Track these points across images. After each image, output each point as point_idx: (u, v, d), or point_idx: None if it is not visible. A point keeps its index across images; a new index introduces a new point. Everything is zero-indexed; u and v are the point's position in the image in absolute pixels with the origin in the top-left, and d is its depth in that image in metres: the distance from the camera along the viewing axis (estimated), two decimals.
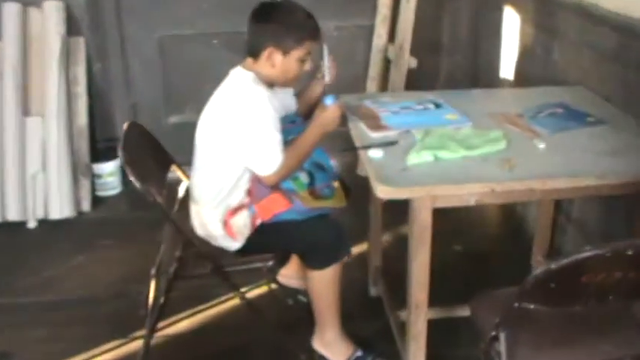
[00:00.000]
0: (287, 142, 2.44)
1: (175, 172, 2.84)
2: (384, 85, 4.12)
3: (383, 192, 2.10)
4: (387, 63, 4.13)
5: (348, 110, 2.59)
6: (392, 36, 4.06)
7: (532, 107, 2.72)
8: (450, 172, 2.18)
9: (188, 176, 2.69)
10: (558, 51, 3.15)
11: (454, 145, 2.32)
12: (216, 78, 4.02)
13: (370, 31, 4.20)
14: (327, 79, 2.58)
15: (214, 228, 2.53)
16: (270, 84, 2.49)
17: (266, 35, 2.41)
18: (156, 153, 2.77)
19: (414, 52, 3.89)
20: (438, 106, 2.73)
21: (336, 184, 2.61)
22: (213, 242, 2.56)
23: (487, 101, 2.86)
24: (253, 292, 3.12)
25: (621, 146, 2.36)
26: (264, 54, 2.41)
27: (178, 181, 2.84)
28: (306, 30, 2.44)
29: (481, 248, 3.52)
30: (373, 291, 3.13)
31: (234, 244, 2.53)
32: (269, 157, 2.35)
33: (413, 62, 3.84)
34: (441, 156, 2.27)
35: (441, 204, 2.17)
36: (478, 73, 4.24)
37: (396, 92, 3.00)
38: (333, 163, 2.60)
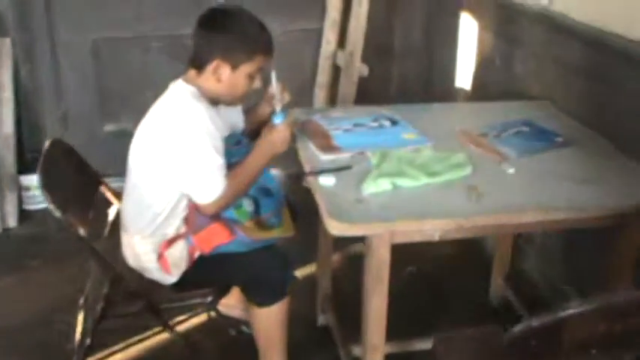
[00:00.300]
0: (231, 166, 2.15)
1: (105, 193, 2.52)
2: (333, 94, 3.84)
3: (335, 228, 1.82)
4: (336, 70, 3.85)
5: (296, 128, 2.30)
6: (342, 41, 3.78)
7: (495, 124, 2.47)
8: (411, 204, 1.91)
9: (120, 197, 2.36)
10: (520, 62, 2.92)
11: (414, 171, 2.05)
12: (155, 84, 3.67)
13: (318, 35, 3.91)
14: (277, 102, 2.24)
15: (147, 260, 2.22)
16: (215, 100, 2.18)
17: (214, 46, 2.11)
18: (81, 173, 2.44)
19: (364, 58, 3.62)
20: (394, 123, 2.46)
21: (283, 209, 2.32)
22: (146, 275, 2.25)
23: (447, 117, 2.61)
24: (191, 322, 2.80)
25: (595, 172, 2.13)
26: (210, 67, 2.11)
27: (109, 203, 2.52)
28: (259, 43, 2.15)
29: (436, 269, 3.27)
30: (322, 319, 2.85)
31: (169, 278, 2.22)
32: (208, 183, 2.05)
33: (364, 70, 3.57)
34: (401, 184, 2.00)
35: (400, 239, 1.91)
36: (432, 81, 4.00)
37: (348, 106, 2.72)
38: (276, 173, 2.29)
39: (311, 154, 2.21)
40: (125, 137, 2.30)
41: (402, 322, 2.35)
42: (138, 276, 2.28)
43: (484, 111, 2.67)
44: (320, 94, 3.88)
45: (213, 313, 2.74)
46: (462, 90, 3.55)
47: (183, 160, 2.06)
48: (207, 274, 2.21)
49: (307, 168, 2.13)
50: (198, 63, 2.13)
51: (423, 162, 2.14)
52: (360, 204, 1.90)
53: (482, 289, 2.99)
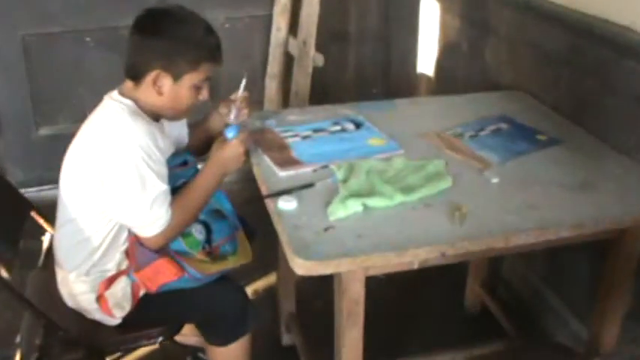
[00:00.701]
0: (177, 189, 1.82)
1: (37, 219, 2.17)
2: (286, 84, 3.50)
3: (301, 267, 1.52)
4: (288, 58, 3.51)
5: (251, 141, 1.97)
6: (293, 27, 3.44)
7: (470, 122, 2.18)
8: (387, 229, 1.62)
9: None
10: (490, 49, 2.62)
11: (387, 187, 1.75)
12: (92, 81, 3.34)
13: (268, 21, 3.56)
14: (232, 118, 1.93)
15: (85, 300, 1.89)
16: (156, 115, 1.84)
17: (152, 54, 1.76)
18: (6, 201, 2.08)
19: (318, 45, 3.28)
20: (357, 125, 2.15)
21: (238, 232, 2.00)
22: (87, 315, 1.91)
23: (415, 115, 2.30)
24: (143, 351, 2.47)
25: (587, 174, 1.87)
26: (149, 78, 1.77)
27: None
28: (204, 50, 1.80)
29: (408, 275, 2.97)
30: (286, 339, 2.55)
31: (113, 320, 1.88)
32: (151, 215, 1.73)
33: (319, 60, 3.24)
34: (373, 204, 1.69)
35: (375, 272, 1.61)
36: (391, 69, 3.70)
37: (305, 108, 2.39)
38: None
39: (267, 170, 1.89)
40: (63, 141, 1.93)
41: (375, 334, 2.05)
42: (77, 317, 1.93)
43: (455, 106, 2.38)
44: (271, 85, 3.54)
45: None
46: (424, 77, 3.26)
47: (120, 188, 1.72)
48: (155, 313, 1.89)
49: (264, 189, 1.81)
50: (134, 73, 1.79)
51: (395, 173, 1.85)
52: (327, 233, 1.59)
53: (458, 296, 2.72)
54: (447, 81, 3.00)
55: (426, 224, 1.64)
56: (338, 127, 2.14)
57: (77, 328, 1.92)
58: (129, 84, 1.81)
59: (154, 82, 1.77)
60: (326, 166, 1.89)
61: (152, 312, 1.89)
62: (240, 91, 1.94)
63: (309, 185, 1.79)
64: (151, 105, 1.81)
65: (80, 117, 1.88)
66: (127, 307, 1.87)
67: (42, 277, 2.11)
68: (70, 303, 1.94)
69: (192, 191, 1.83)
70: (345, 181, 1.80)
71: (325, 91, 3.48)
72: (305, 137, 2.07)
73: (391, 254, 1.54)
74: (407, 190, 1.75)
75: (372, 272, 1.60)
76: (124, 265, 1.87)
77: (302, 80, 3.30)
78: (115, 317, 1.87)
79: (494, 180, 1.83)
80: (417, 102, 2.39)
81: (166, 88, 1.78)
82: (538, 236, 1.64)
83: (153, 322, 1.92)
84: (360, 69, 3.82)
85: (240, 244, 1.97)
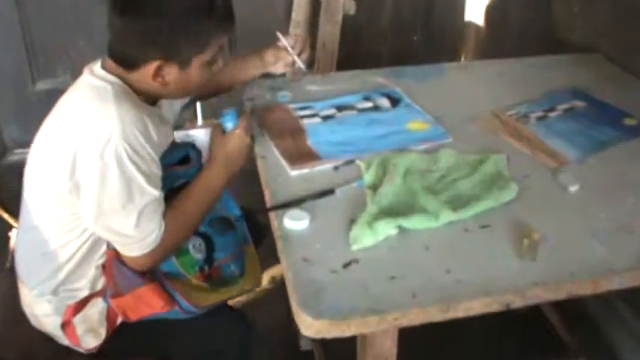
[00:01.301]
0: (174, 192, 1.38)
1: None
2: (313, 35, 2.97)
3: (310, 328, 1.07)
4: (315, 4, 2.96)
5: (255, 120, 1.51)
6: None
7: (536, 98, 1.67)
8: (429, 266, 1.17)
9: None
10: None
11: (431, 199, 1.28)
12: (91, 31, 2.90)
13: None
14: (304, 66, 1.63)
15: (49, 323, 1.48)
16: (154, 98, 1.39)
17: (145, 42, 1.29)
18: None
19: None
20: (394, 101, 1.67)
21: (248, 247, 1.56)
22: (56, 340, 1.50)
23: (465, 85, 1.80)
24: None
25: None
26: (147, 69, 1.31)
27: None
28: (213, 22, 1.32)
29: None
30: (305, 344, 2.12)
31: (86, 347, 1.47)
32: (138, 230, 1.29)
33: (350, 6, 2.69)
34: (411, 226, 1.22)
35: (409, 323, 1.15)
36: (434, 14, 3.12)
37: (329, 75, 1.88)
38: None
39: (274, 167, 1.43)
40: (61, 95, 1.49)
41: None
42: (48, 338, 1.53)
43: (514, 73, 1.86)
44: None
45: None
46: (473, 26, 2.71)
47: (98, 195, 1.27)
48: (137, 342, 1.48)
49: (267, 193, 1.35)
50: (124, 62, 1.33)
51: (442, 176, 1.38)
52: (347, 271, 1.14)
53: None
54: (499, 31, 2.45)
55: (484, 257, 1.18)
56: (369, 104, 1.65)
57: (47, 355, 1.51)
58: (113, 64, 1.35)
59: (156, 75, 1.31)
60: (351, 162, 1.42)
61: (133, 341, 1.47)
62: (286, 43, 1.60)
63: (327, 193, 1.33)
64: (149, 90, 1.35)
65: (80, 70, 1.42)
66: (103, 333, 1.45)
67: (8, 283, 1.70)
68: (34, 324, 1.52)
69: (191, 198, 1.39)
70: (374, 187, 1.33)
71: (358, 40, 2.96)
72: (326, 117, 1.60)
73: (434, 309, 1.08)
74: (457, 202, 1.28)
75: (404, 324, 1.14)
76: (99, 284, 1.44)
77: (330, 29, 2.77)
78: (86, 347, 1.46)
79: (573, 187, 1.34)
80: (468, 67, 1.88)
81: (172, 77, 1.33)
82: (637, 278, 1.15)
83: (135, 353, 1.50)
84: (397, 14, 3.26)
85: (248, 262, 1.53)
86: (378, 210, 1.24)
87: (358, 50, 3.13)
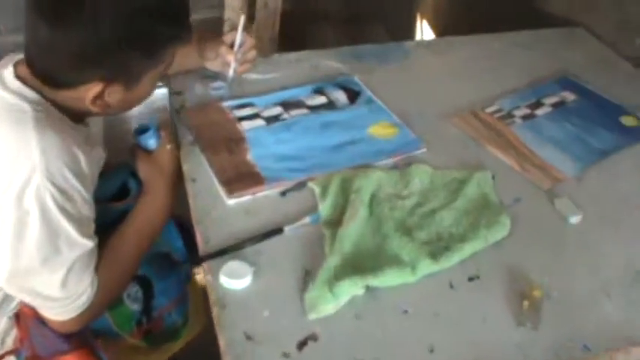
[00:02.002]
0: (107, 229, 1.08)
1: None
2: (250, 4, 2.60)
3: None
4: None
5: (184, 124, 1.21)
6: None
7: (519, 88, 1.40)
8: (407, 341, 0.92)
9: None
10: None
11: (406, 241, 1.01)
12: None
13: None
14: (231, 73, 1.31)
15: None
16: (83, 115, 1.05)
17: (86, 62, 0.95)
18: None
19: None
20: (353, 95, 1.36)
21: (191, 285, 1.28)
22: None
23: (436, 71, 1.52)
24: None
25: None
26: (83, 90, 0.98)
27: None
28: (169, 32, 1.00)
29: None
30: None
31: None
32: (65, 291, 1.00)
33: None
34: (382, 283, 0.96)
35: None
36: None
37: (272, 57, 1.51)
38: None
39: (207, 194, 1.12)
40: None
41: None
42: None
43: (491, 54, 1.58)
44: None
45: None
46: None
47: (17, 247, 0.96)
48: None
49: (199, 234, 1.05)
50: (49, 77, 0.98)
51: (417, 203, 1.10)
52: (303, 354, 0.87)
53: None
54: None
55: (475, 325, 0.93)
56: (322, 99, 1.36)
57: None
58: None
59: (95, 99, 0.98)
60: (302, 184, 1.13)
61: None
62: (239, 36, 1.28)
63: (274, 233, 1.04)
64: (78, 109, 1.02)
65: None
66: None
67: None
68: None
69: (127, 240, 1.10)
70: (333, 224, 1.05)
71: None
72: (270, 119, 1.29)
73: None
74: (437, 245, 1.02)
75: None
76: (10, 339, 1.14)
77: None
78: None
79: (574, 218, 1.09)
80: (436, 47, 1.57)
81: (116, 99, 1.01)
82: None
83: None
84: None
85: (192, 303, 1.25)
86: (339, 261, 0.97)
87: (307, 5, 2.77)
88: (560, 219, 1.10)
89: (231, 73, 1.31)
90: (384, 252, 1.01)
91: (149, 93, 1.06)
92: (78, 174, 0.97)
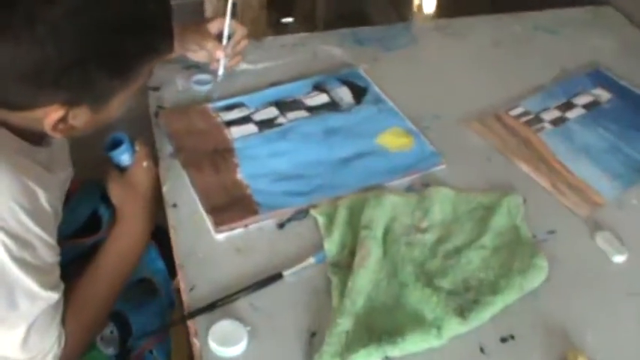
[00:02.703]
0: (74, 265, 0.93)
1: None
2: None
3: None
4: None
5: (162, 131, 1.04)
6: None
7: (546, 84, 1.22)
8: None
9: None
10: None
11: (429, 294, 0.85)
12: None
13: None
14: (221, 72, 1.15)
15: None
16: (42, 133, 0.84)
17: (44, 83, 0.75)
18: None
19: None
20: (359, 93, 1.18)
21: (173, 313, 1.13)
22: None
23: (449, 62, 1.32)
24: None
25: None
26: (41, 113, 0.78)
27: None
28: (146, 46, 0.81)
29: None
30: None
31: None
32: (28, 349, 0.84)
33: None
34: (404, 352, 0.80)
35: None
36: None
37: (264, 40, 1.32)
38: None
39: (189, 226, 0.95)
40: None
41: None
42: None
43: (513, 39, 1.39)
44: None
45: None
46: None
47: None
48: None
49: (182, 283, 0.89)
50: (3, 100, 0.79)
51: (438, 239, 0.94)
52: None
53: None
54: None
55: None
56: (323, 98, 1.18)
57: None
58: None
59: (57, 125, 0.80)
60: (303, 212, 0.96)
61: None
62: (227, 26, 1.10)
63: (272, 279, 0.88)
64: (34, 131, 0.83)
65: None
66: None
67: None
68: None
69: (98, 280, 0.94)
70: (342, 268, 0.89)
71: None
72: (263, 124, 1.11)
73: None
74: (464, 297, 0.86)
75: None
76: None
77: None
78: None
79: (619, 257, 0.93)
80: (449, 28, 1.37)
81: (81, 122, 0.82)
82: None
83: None
84: None
85: (174, 336, 1.10)
86: (351, 324, 0.81)
87: None
88: (602, 256, 0.94)
89: (220, 71, 1.12)
90: (402, 307, 0.85)
91: (119, 113, 0.87)
92: (36, 215, 0.80)
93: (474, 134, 1.13)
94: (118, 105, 0.84)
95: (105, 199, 1.01)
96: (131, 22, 0.76)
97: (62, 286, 0.86)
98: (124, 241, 0.96)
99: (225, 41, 1.12)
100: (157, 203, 0.99)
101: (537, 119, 1.15)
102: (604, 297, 0.89)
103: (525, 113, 1.16)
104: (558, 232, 0.97)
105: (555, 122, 1.15)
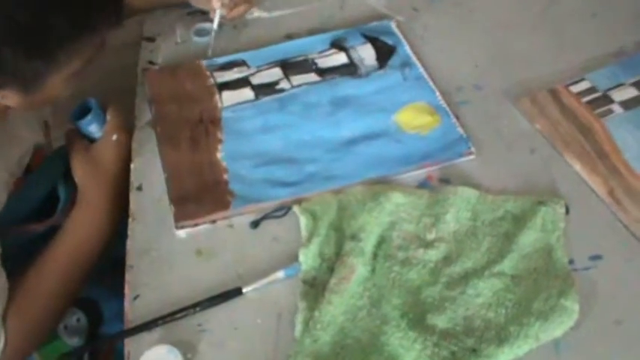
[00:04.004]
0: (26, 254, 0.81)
1: None
2: None
3: None
4: None
5: (138, 99, 0.90)
6: None
7: (623, 51, 0.96)
8: None
9: None
10: None
11: (418, 339, 0.67)
12: None
13: None
14: (215, 25, 0.97)
15: None
16: None
17: None
18: None
19: None
20: (385, 52, 0.98)
21: None
22: None
23: (505, 20, 1.07)
24: None
25: None
26: None
27: None
28: (77, 26, 0.67)
29: None
30: None
31: None
32: None
33: None
34: None
35: None
36: None
37: None
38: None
39: (150, 218, 0.80)
40: None
41: None
42: None
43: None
44: None
45: None
46: None
47: None
48: None
49: (126, 291, 0.75)
50: None
51: (444, 257, 0.75)
52: None
53: None
54: None
55: None
56: (341, 58, 0.97)
57: None
58: None
59: None
60: (285, 209, 0.79)
61: None
62: None
63: (228, 296, 0.72)
64: None
65: None
66: None
67: None
68: None
69: (48, 272, 0.82)
70: (314, 284, 0.72)
71: None
72: (261, 88, 0.93)
73: None
74: (462, 346, 0.67)
75: None
76: None
77: None
78: None
79: None
80: None
81: (16, 102, 0.72)
82: None
83: None
84: None
85: None
86: None
87: None
88: None
89: (215, 24, 0.94)
90: (379, 349, 0.67)
91: (67, 90, 0.73)
92: None
93: (520, 114, 0.90)
94: (58, 85, 0.70)
95: (67, 176, 0.87)
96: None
97: (3, 274, 0.74)
98: (81, 231, 0.83)
99: None
100: (121, 185, 0.84)
101: (605, 99, 0.91)
102: None
103: (590, 90, 0.92)
104: (606, 258, 0.75)
105: (628, 105, 0.90)
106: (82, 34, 0.67)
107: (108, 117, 0.86)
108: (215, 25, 0.95)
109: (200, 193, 0.80)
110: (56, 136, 0.92)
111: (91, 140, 0.87)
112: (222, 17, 0.95)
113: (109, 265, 0.91)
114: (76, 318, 0.91)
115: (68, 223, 0.83)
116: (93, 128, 0.86)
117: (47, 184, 0.88)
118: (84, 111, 0.87)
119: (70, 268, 0.82)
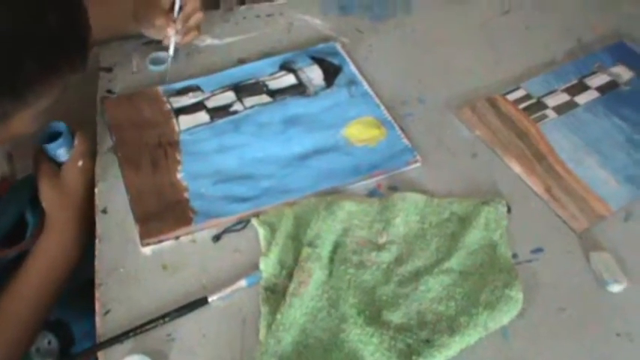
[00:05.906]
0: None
1: None
2: None
3: None
4: None
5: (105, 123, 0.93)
6: None
7: (558, 60, 1.05)
8: None
9: None
10: None
11: (375, 334, 0.71)
12: None
13: None
14: (171, 52, 1.02)
15: None
16: None
17: None
18: None
19: None
20: (332, 72, 1.04)
21: None
22: None
23: (443, 37, 1.14)
24: None
25: None
26: None
27: None
28: (45, 65, 0.70)
29: None
30: None
31: None
32: None
33: None
34: None
35: None
36: None
37: (235, 9, 1.17)
38: None
39: (116, 238, 0.84)
40: None
41: None
42: None
43: (519, 3, 1.20)
44: None
45: None
46: None
47: None
48: None
49: (97, 307, 0.78)
50: None
51: (395, 259, 0.80)
52: None
53: None
54: None
55: None
56: (289, 80, 1.03)
57: None
58: None
59: None
60: (244, 222, 0.84)
61: None
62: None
63: (194, 306, 0.76)
64: None
65: None
66: None
67: None
68: None
69: (18, 297, 0.85)
70: (274, 290, 0.76)
71: None
72: (216, 111, 0.98)
73: None
74: (417, 338, 0.72)
75: None
76: None
77: None
78: None
79: (614, 287, 0.78)
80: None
81: None
82: None
83: None
84: None
85: None
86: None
87: None
88: (596, 285, 0.79)
89: (171, 51, 0.99)
90: (339, 346, 0.72)
91: (33, 128, 0.77)
92: None
93: (461, 123, 0.97)
94: (25, 122, 0.74)
95: (34, 201, 0.90)
96: (22, 38, 0.64)
97: None
98: (50, 255, 0.86)
99: (175, 14, 0.98)
100: (88, 211, 0.88)
101: (539, 105, 0.98)
102: (592, 338, 0.74)
103: (526, 97, 1.00)
104: (547, 250, 0.82)
105: (561, 109, 0.98)
106: (49, 76, 0.71)
107: (76, 142, 0.89)
108: (171, 51, 1.00)
109: (163, 212, 0.84)
110: (20, 167, 0.95)
111: (57, 164, 0.90)
112: (176, 43, 1.00)
113: (78, 286, 0.95)
114: (47, 340, 0.94)
115: (37, 248, 0.86)
116: (61, 152, 0.89)
117: (15, 211, 0.91)
118: (52, 135, 0.90)
119: (40, 291, 0.85)
